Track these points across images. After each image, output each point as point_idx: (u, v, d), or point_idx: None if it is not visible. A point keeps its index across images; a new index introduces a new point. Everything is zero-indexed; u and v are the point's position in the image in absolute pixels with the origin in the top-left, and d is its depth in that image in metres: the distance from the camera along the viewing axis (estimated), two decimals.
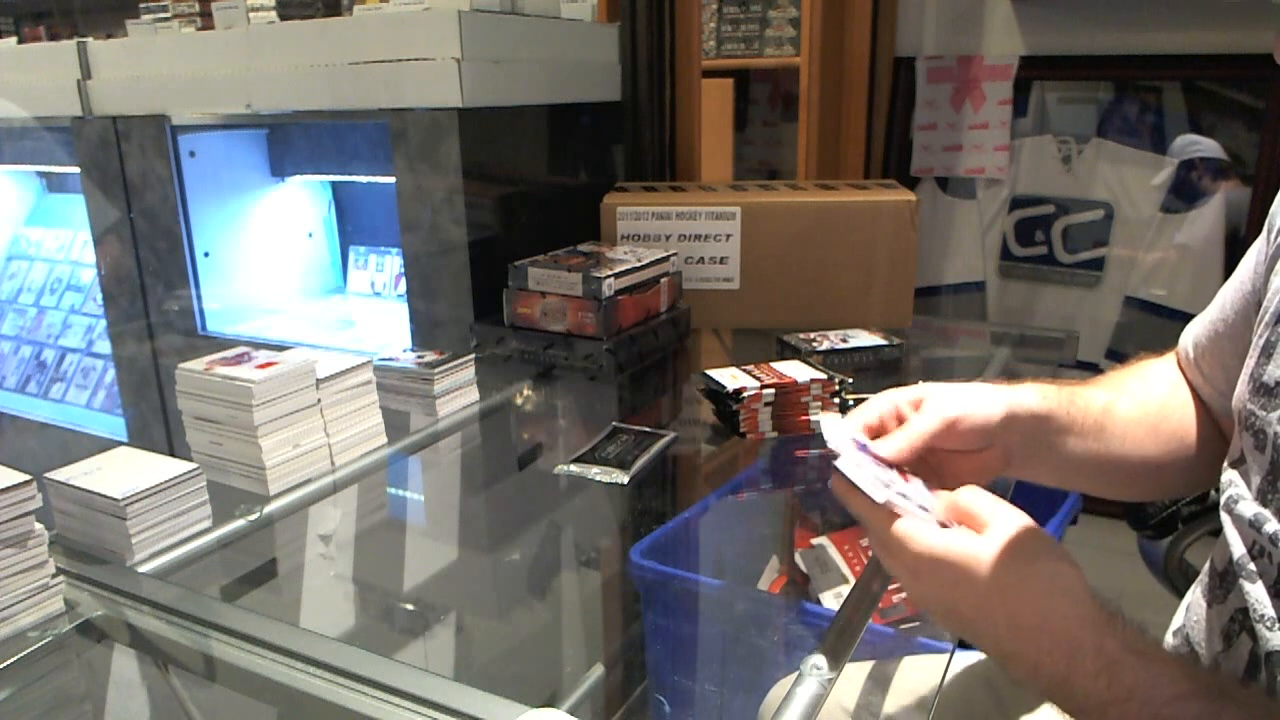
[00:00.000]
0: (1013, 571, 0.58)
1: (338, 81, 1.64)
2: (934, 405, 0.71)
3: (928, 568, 0.60)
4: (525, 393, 1.46)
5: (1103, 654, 0.55)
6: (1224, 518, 0.67)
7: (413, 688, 0.69)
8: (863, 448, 0.68)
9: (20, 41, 2.47)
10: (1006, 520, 0.61)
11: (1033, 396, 0.75)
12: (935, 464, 0.73)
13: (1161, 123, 2.01)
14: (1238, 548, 0.65)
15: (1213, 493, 1.48)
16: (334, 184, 2.25)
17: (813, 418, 1.24)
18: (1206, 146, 1.94)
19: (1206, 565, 0.75)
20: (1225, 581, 0.69)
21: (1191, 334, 0.84)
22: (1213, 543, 0.73)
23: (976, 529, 0.61)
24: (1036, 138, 2.12)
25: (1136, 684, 0.54)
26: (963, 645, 0.96)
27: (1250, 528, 0.64)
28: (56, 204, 2.73)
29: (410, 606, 1.09)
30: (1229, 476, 0.69)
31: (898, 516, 0.62)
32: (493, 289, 1.56)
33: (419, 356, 1.31)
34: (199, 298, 2.00)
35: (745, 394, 1.21)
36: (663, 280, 1.59)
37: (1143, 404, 0.81)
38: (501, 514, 1.25)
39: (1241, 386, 0.68)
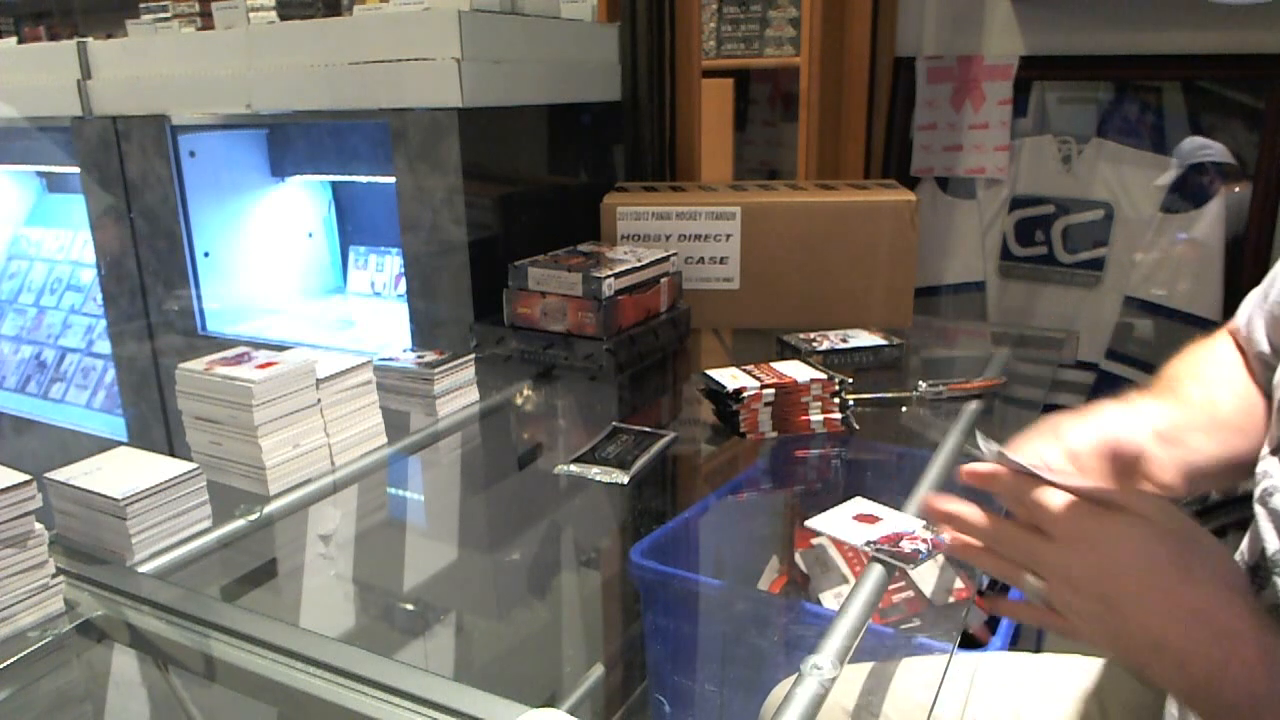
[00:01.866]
0: (1183, 551, 0.56)
1: (338, 81, 1.64)
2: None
3: (1117, 530, 0.57)
4: (525, 393, 1.46)
5: (1262, 644, 0.53)
6: (1258, 510, 0.66)
7: (413, 688, 0.69)
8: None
9: (20, 41, 2.47)
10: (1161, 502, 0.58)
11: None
12: None
13: (1161, 123, 2.01)
14: (1272, 542, 0.63)
15: (1213, 493, 1.49)
16: (334, 184, 2.25)
17: (812, 417, 1.24)
18: (1216, 151, 1.94)
19: None
20: (1257, 577, 0.68)
21: (1260, 318, 0.81)
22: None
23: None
24: (1036, 138, 2.12)
25: None
26: (963, 645, 0.96)
27: None
28: (56, 204, 2.73)
29: (410, 606, 1.09)
30: (1265, 467, 0.67)
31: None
32: (493, 289, 1.56)
33: (419, 356, 1.31)
34: (199, 298, 2.00)
35: (745, 394, 1.21)
36: (663, 280, 1.59)
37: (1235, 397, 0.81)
38: (501, 514, 1.25)
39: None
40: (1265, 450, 0.70)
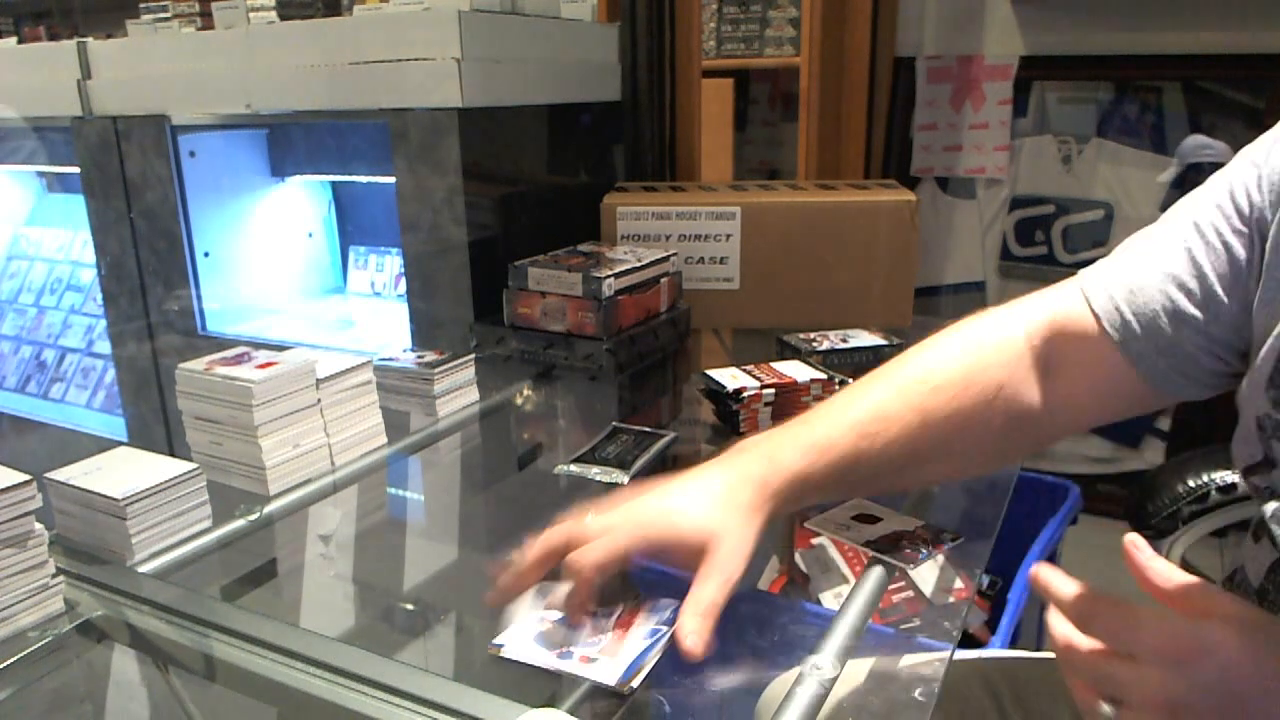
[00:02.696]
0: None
1: (338, 81, 1.64)
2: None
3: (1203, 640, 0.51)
4: (525, 393, 1.46)
5: None
6: (1274, 530, 0.65)
7: (413, 688, 0.69)
8: None
9: (20, 41, 2.47)
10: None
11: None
12: None
13: (1161, 123, 2.01)
14: None
15: (1214, 493, 1.49)
16: (334, 184, 2.25)
17: None
18: (1218, 150, 1.94)
19: (1230, 578, 0.73)
20: (1265, 599, 0.67)
21: (1130, 304, 0.71)
22: (1214, 543, 0.72)
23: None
24: (1036, 138, 2.12)
25: None
26: (963, 645, 0.96)
27: None
28: (56, 204, 2.73)
29: (410, 606, 1.09)
30: (1259, 484, 0.67)
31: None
32: (493, 289, 1.56)
33: (419, 356, 1.30)
34: (199, 298, 2.00)
35: (745, 394, 1.21)
36: (663, 280, 1.59)
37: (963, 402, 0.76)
38: (501, 514, 1.25)
39: (1258, 392, 0.65)
40: (1238, 468, 0.68)
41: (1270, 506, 0.65)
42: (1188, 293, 0.68)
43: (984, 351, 0.77)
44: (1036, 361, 0.76)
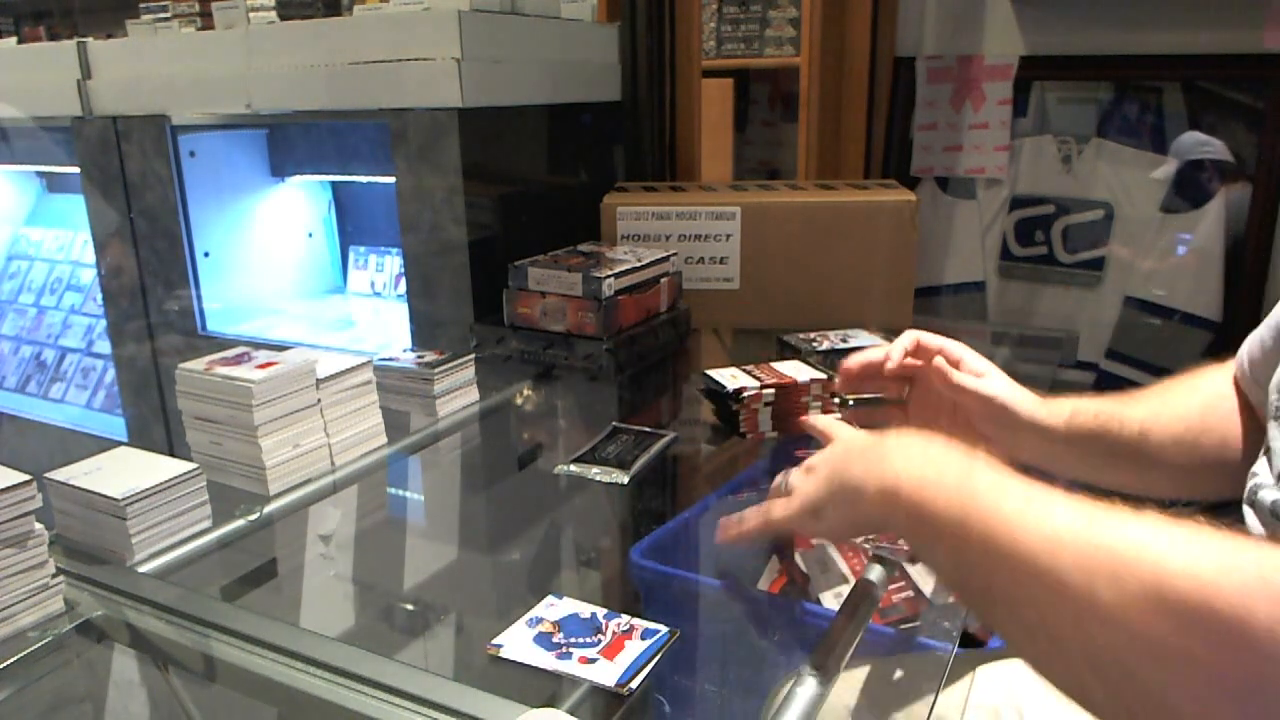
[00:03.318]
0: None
1: (338, 81, 1.64)
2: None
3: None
4: (525, 393, 1.46)
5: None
6: (1246, 511, 0.67)
7: (413, 688, 0.69)
8: None
9: (20, 41, 2.47)
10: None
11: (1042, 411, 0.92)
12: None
13: (1161, 123, 2.01)
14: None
15: None
16: (334, 184, 2.25)
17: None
18: (1217, 148, 1.93)
19: None
20: None
21: (1248, 346, 0.82)
22: None
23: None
24: (1036, 138, 2.12)
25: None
26: (963, 645, 0.96)
27: (1273, 517, 0.63)
28: (56, 204, 2.73)
29: (410, 606, 1.09)
30: (1255, 468, 0.68)
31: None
32: (493, 289, 1.56)
33: (419, 356, 1.31)
34: (199, 298, 2.00)
35: (745, 394, 1.21)
36: (663, 280, 1.59)
37: (1181, 419, 0.83)
38: (501, 514, 1.25)
39: (1276, 379, 0.68)
40: (1261, 457, 0.70)
41: (1247, 488, 0.67)
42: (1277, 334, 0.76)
43: (1209, 396, 0.86)
44: (1237, 409, 0.83)
